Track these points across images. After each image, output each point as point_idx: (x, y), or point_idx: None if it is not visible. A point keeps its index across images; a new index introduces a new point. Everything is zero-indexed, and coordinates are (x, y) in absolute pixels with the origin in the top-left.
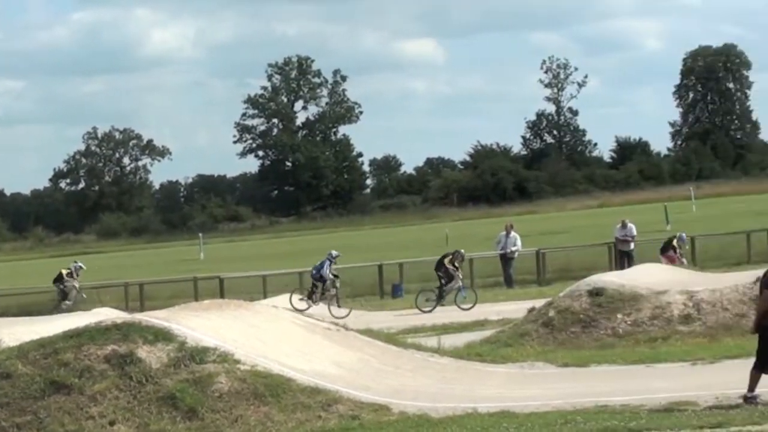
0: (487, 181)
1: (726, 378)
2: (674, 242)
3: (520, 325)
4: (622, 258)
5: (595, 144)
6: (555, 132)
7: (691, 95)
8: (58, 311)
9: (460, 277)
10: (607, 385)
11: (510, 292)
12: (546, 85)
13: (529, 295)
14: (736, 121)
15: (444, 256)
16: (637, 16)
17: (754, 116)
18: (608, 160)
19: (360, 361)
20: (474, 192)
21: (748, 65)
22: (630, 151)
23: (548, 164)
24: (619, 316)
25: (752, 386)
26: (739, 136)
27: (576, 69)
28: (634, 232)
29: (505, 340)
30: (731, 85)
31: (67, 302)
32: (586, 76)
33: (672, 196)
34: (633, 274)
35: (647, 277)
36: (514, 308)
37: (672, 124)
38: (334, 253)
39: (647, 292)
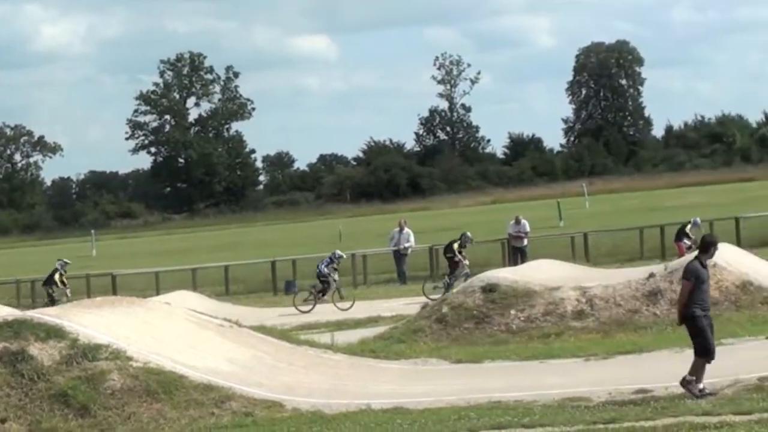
0: (381, 178)
1: (619, 373)
2: (688, 228)
3: (414, 322)
4: (516, 254)
5: (488, 140)
6: (448, 128)
7: (583, 92)
8: None
9: (466, 263)
10: (501, 381)
11: (403, 288)
12: (439, 82)
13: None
14: (629, 118)
15: (452, 242)
16: (530, 12)
17: (646, 112)
18: (501, 156)
19: (253, 358)
20: (367, 188)
21: (640, 61)
22: (523, 147)
23: (441, 160)
24: (513, 312)
25: (698, 376)
26: (631, 133)
27: (469, 65)
28: (527, 228)
29: (399, 336)
30: (624, 82)
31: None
32: (478, 73)
33: (565, 193)
34: (526, 270)
35: (540, 273)
36: (407, 304)
37: (565, 121)
38: (338, 253)
39: (540, 288)
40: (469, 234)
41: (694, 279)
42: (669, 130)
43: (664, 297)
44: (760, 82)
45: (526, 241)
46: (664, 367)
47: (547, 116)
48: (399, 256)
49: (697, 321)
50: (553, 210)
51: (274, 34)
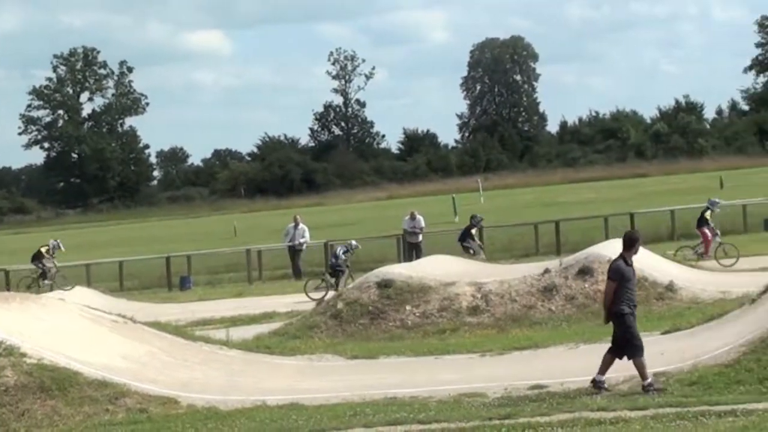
0: (275, 173)
1: (514, 369)
2: (708, 214)
3: (309, 318)
4: (411, 250)
5: (383, 136)
6: (342, 124)
7: (478, 87)
8: (37, 290)
9: (481, 246)
10: (396, 377)
11: (299, 284)
12: (333, 77)
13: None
14: (523, 113)
15: (469, 227)
16: (424, 7)
17: (541, 108)
18: (396, 151)
19: (148, 354)
20: (262, 184)
21: (535, 57)
22: (418, 143)
23: (336, 156)
24: (408, 307)
25: (603, 369)
26: (526, 128)
27: (364, 61)
28: (423, 224)
29: (294, 332)
30: (518, 77)
31: (46, 281)
32: (373, 68)
33: (460, 188)
34: (422, 265)
35: (435, 268)
36: (302, 300)
37: (459, 116)
38: (354, 243)
39: (436, 283)
40: (478, 215)
41: (620, 278)
42: (563, 125)
43: (559, 293)
44: (654, 77)
45: (420, 237)
46: (560, 363)
47: (442, 112)
48: (294, 251)
49: (625, 318)
50: (448, 205)
51: (167, 28)
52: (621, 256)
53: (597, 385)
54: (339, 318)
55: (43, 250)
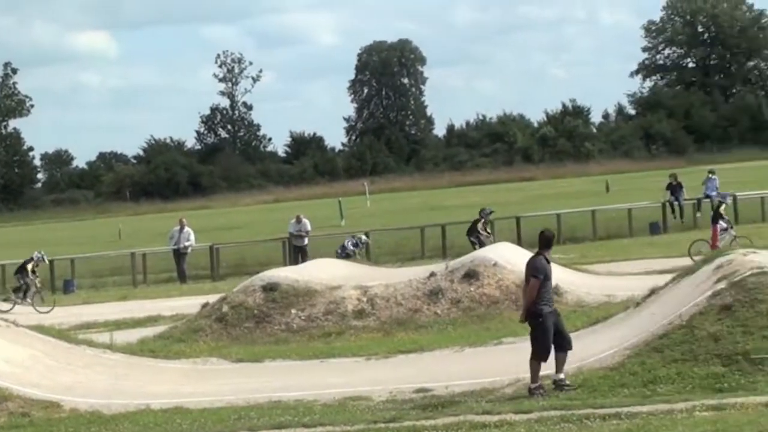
0: (161, 176)
1: (400, 373)
2: (722, 209)
3: (194, 321)
4: (297, 253)
5: (270, 139)
6: (229, 126)
7: (365, 90)
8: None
9: (492, 240)
10: (281, 380)
11: (183, 287)
12: (220, 80)
13: (203, 290)
14: (411, 117)
15: (476, 221)
16: (311, 10)
17: (428, 111)
18: (283, 155)
19: (31, 358)
20: (147, 187)
21: (422, 61)
22: (304, 146)
23: (222, 159)
24: (294, 311)
25: (534, 377)
26: (413, 132)
27: (251, 63)
28: (309, 228)
29: (179, 336)
30: (406, 81)
31: (27, 299)
32: (260, 71)
33: (347, 191)
34: (308, 269)
35: (321, 272)
36: (187, 304)
37: (346, 119)
38: (364, 238)
39: (321, 287)
40: (488, 209)
41: (543, 276)
42: (450, 129)
43: (444, 296)
44: (541, 81)
45: (306, 240)
46: (445, 366)
47: (329, 115)
48: (179, 255)
49: (544, 320)
50: (334, 209)
51: (53, 29)
52: (539, 253)
53: (533, 391)
54: (224, 321)
55: (29, 267)
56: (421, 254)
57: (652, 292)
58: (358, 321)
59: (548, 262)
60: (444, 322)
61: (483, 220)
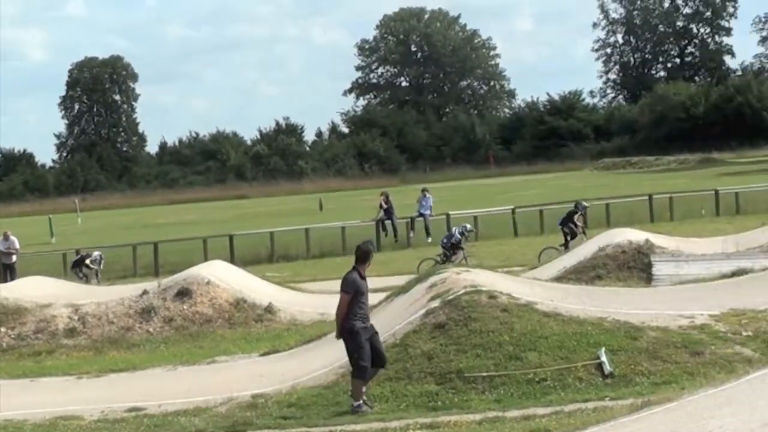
0: None
1: (112, 392)
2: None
3: None
4: (5, 271)
5: None
6: None
7: (77, 107)
8: None
9: (585, 234)
10: None
11: None
12: None
13: None
14: (123, 134)
15: (572, 213)
16: (19, 25)
17: (140, 128)
18: None
19: None
20: None
21: (134, 77)
22: (14, 162)
23: None
24: (3, 329)
25: (356, 395)
26: (125, 149)
27: None
28: (17, 245)
29: None
30: (118, 97)
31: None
32: None
33: (57, 209)
34: (16, 286)
35: (31, 289)
36: None
37: (57, 136)
38: (468, 227)
39: (31, 305)
40: (584, 203)
41: (354, 291)
42: (163, 146)
43: (157, 314)
44: (254, 99)
45: (15, 258)
46: (157, 385)
47: (40, 131)
48: None
49: (356, 336)
50: (44, 226)
51: None
52: (354, 269)
53: (355, 409)
54: None
55: (88, 261)
56: (134, 272)
57: None
58: (69, 339)
59: (363, 278)
60: (157, 341)
61: (579, 213)
